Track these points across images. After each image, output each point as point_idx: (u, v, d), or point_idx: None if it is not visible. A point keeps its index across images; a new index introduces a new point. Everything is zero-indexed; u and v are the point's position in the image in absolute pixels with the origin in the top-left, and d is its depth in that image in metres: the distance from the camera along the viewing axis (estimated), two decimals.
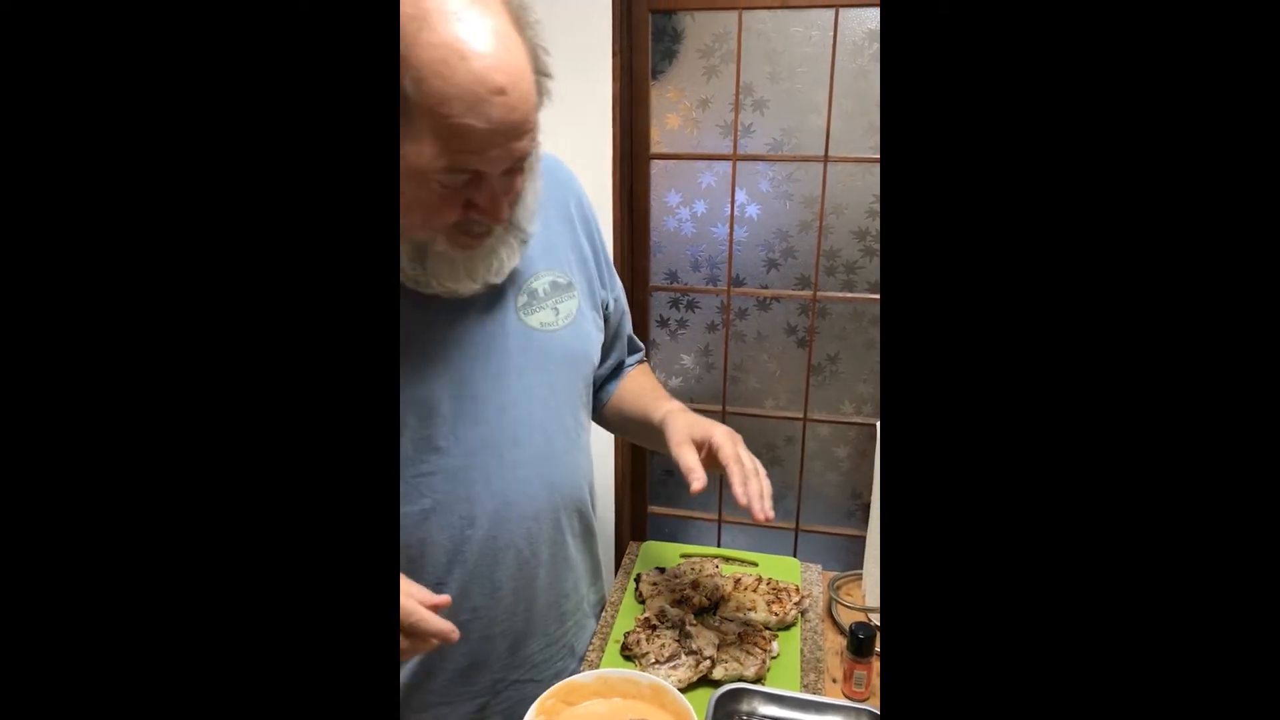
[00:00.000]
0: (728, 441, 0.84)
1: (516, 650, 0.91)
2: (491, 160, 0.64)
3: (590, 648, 1.01)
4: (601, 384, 1.03)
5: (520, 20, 0.64)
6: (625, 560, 1.20)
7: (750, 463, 0.84)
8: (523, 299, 0.82)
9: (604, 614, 1.08)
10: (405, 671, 0.85)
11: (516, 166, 0.68)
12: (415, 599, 0.66)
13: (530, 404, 0.82)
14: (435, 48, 0.58)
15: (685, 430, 0.86)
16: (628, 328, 1.04)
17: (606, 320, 0.95)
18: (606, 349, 0.97)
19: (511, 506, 0.82)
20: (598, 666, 0.97)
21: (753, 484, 0.82)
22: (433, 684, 0.86)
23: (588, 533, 0.96)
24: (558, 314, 0.84)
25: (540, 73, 0.67)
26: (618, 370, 1.05)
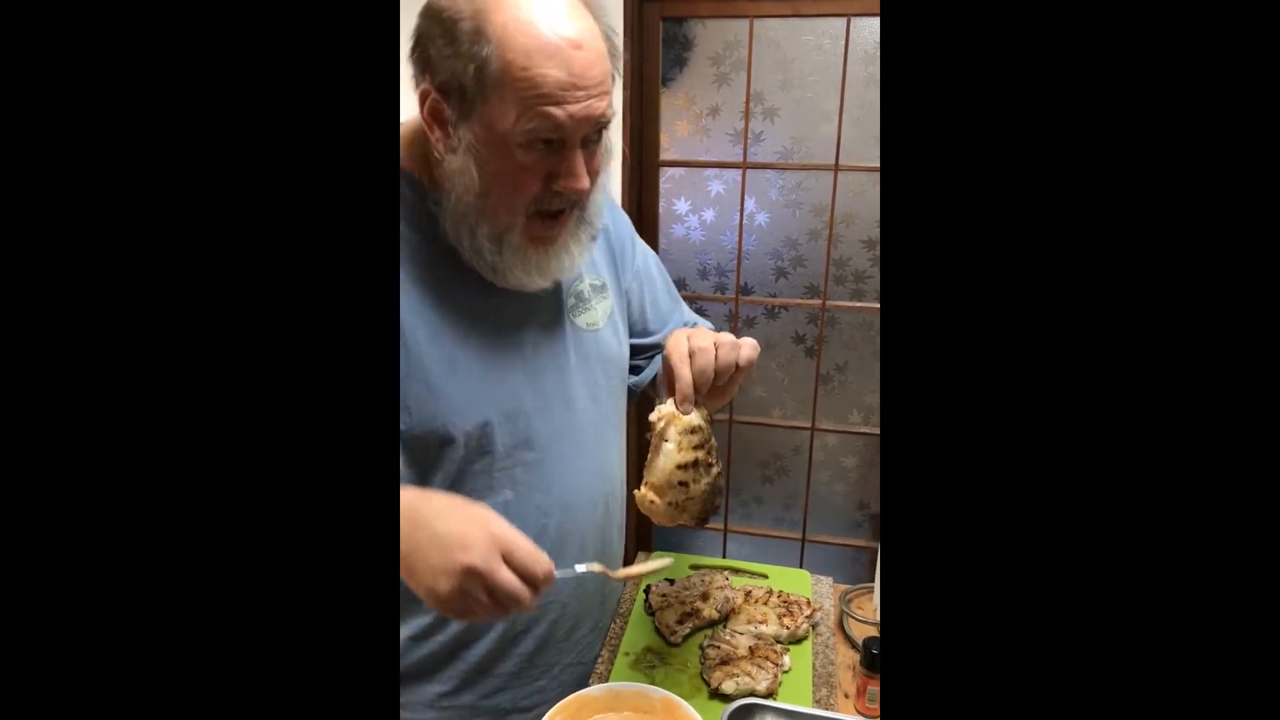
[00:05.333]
0: (678, 345, 0.75)
1: (571, 634, 0.93)
2: (573, 116, 0.66)
3: (599, 659, 0.99)
4: (655, 354, 0.99)
5: (592, 6, 0.69)
6: None
7: (700, 343, 0.74)
8: (570, 300, 0.85)
9: (613, 625, 1.07)
10: (475, 654, 0.85)
11: (595, 136, 0.70)
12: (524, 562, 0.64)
13: (586, 400, 0.85)
14: (517, 8, 0.63)
15: (660, 370, 0.85)
16: (664, 293, 0.98)
17: (629, 296, 0.94)
18: (645, 318, 0.95)
19: (577, 495, 0.85)
20: (607, 678, 0.95)
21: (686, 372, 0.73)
22: (502, 668, 0.87)
23: (621, 522, 0.98)
24: (598, 314, 0.87)
25: (611, 54, 0.70)
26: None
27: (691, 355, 0.74)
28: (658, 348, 0.97)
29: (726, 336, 0.76)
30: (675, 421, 0.74)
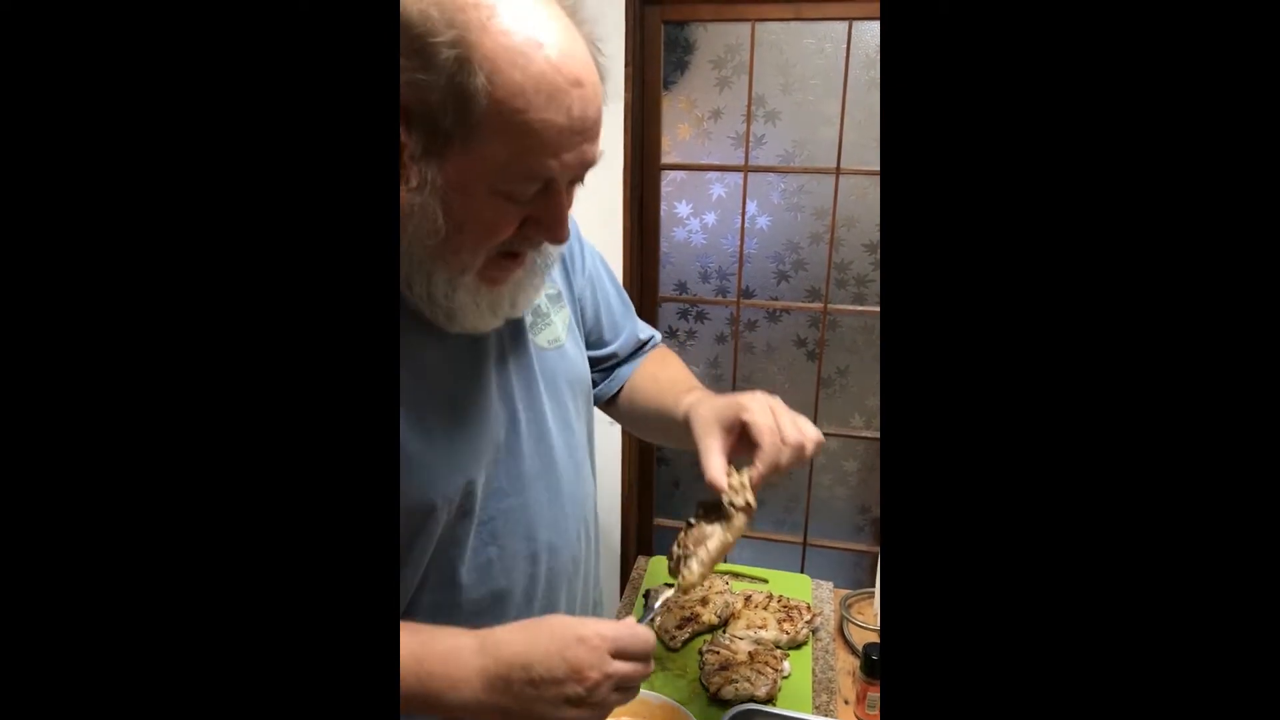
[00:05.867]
0: (766, 418, 0.71)
1: None
2: (566, 164, 0.58)
3: None
4: (613, 367, 0.92)
5: (575, 15, 0.60)
6: (634, 575, 1.18)
7: (794, 436, 0.70)
8: (529, 318, 0.77)
9: None
10: None
11: (580, 177, 0.62)
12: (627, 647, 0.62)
13: (558, 429, 0.78)
14: (509, 35, 0.53)
15: (712, 419, 0.74)
16: (615, 298, 0.91)
17: (582, 304, 0.86)
18: (599, 327, 0.88)
19: (561, 535, 0.79)
20: None
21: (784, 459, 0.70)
22: None
23: (598, 542, 0.94)
24: (558, 328, 0.79)
25: (600, 75, 0.61)
26: (634, 353, 0.93)
27: (784, 441, 0.70)
28: (613, 359, 0.91)
29: (811, 430, 0.72)
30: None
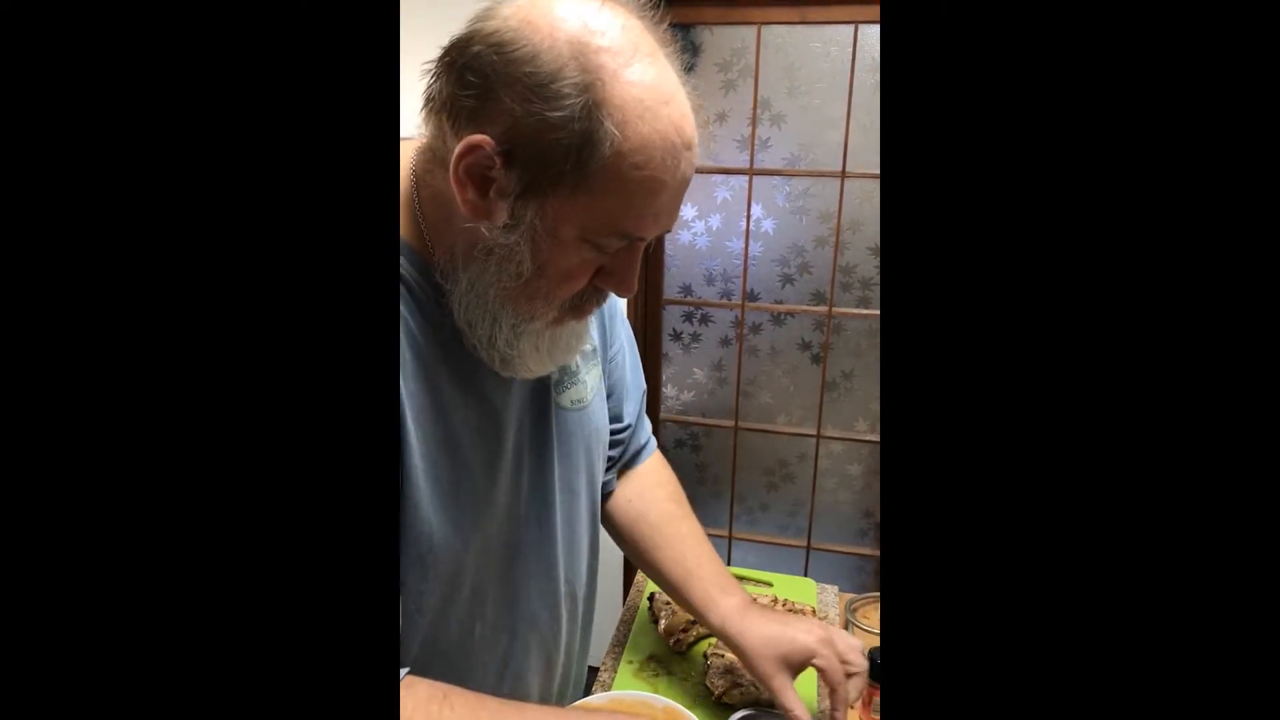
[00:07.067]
0: (834, 663, 0.78)
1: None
2: (659, 225, 0.57)
3: (602, 667, 0.99)
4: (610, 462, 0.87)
5: (682, 75, 0.57)
6: (637, 579, 1.18)
7: (859, 677, 0.80)
8: (555, 374, 0.72)
9: (615, 632, 1.06)
10: None
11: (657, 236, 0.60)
12: None
13: (563, 495, 0.75)
14: (640, 86, 0.52)
15: (775, 658, 0.79)
16: (634, 366, 0.87)
17: (611, 365, 0.83)
18: (616, 400, 0.85)
19: (548, 610, 0.76)
20: (610, 687, 0.95)
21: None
22: None
23: (589, 613, 0.89)
24: (587, 387, 0.75)
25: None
26: (634, 455, 0.90)
27: (848, 677, 0.78)
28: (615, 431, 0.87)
29: (860, 658, 0.80)
30: None
